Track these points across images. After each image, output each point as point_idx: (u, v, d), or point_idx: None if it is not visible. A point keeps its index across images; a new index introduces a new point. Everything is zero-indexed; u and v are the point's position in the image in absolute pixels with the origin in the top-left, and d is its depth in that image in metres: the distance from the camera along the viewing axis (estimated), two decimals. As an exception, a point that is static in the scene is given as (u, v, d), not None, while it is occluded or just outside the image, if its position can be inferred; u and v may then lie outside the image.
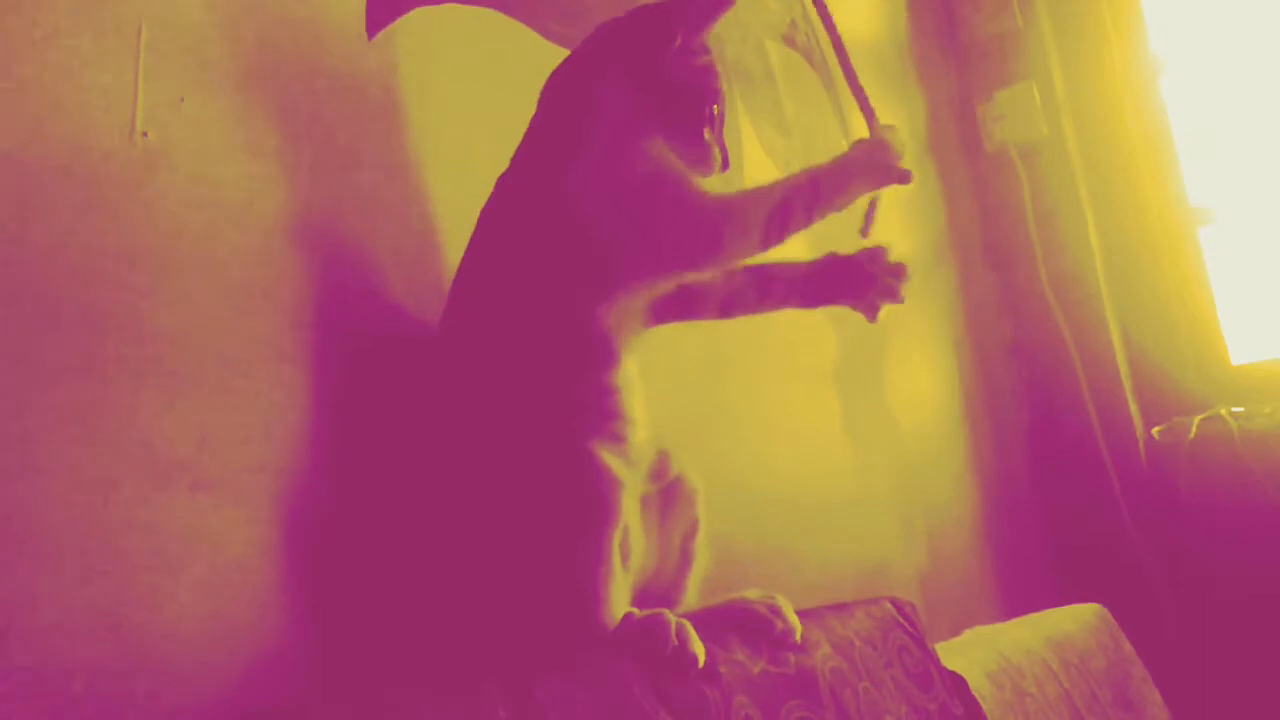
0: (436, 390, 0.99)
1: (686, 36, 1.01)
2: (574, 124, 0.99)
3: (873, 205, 1.15)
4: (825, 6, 1.22)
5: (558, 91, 1.03)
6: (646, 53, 1.01)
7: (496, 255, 0.98)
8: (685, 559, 1.06)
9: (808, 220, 1.00)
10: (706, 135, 1.02)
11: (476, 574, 0.94)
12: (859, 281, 1.08)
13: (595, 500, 0.91)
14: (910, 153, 1.03)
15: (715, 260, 0.99)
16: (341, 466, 0.94)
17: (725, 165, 1.06)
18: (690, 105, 1.02)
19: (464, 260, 1.00)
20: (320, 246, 0.97)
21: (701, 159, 1.03)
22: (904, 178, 1.03)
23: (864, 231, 1.18)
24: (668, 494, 1.05)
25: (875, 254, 1.08)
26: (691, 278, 1.04)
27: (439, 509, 0.97)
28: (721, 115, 1.05)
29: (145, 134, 0.85)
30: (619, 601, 0.92)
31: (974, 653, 1.40)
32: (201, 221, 0.88)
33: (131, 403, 0.80)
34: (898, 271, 1.08)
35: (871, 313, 1.10)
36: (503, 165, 1.01)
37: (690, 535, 1.06)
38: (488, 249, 0.98)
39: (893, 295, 1.08)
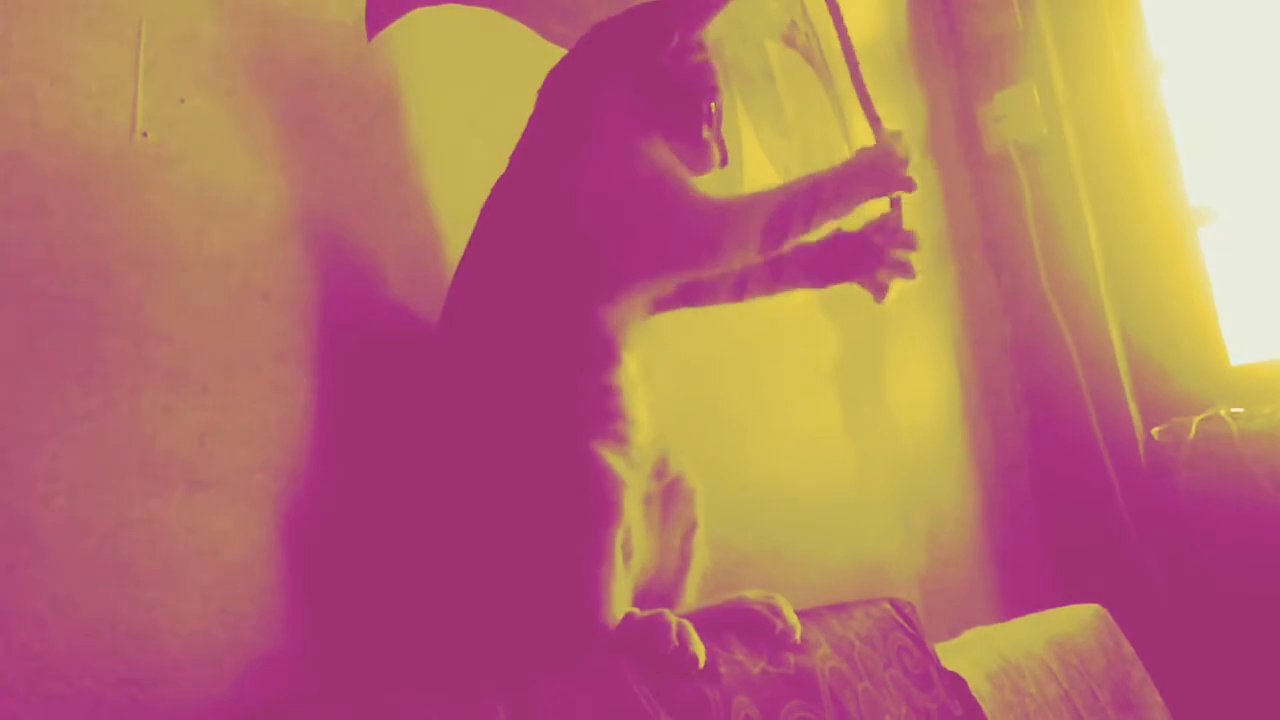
0: (438, 390, 0.99)
1: (683, 34, 1.01)
2: (573, 125, 0.99)
3: (896, 205, 1.10)
4: (838, 10, 1.20)
5: (556, 92, 1.03)
6: (643, 52, 1.01)
7: (497, 256, 0.98)
8: (684, 559, 1.06)
9: (807, 227, 1.00)
10: (705, 133, 1.03)
11: (478, 574, 0.94)
12: (867, 258, 1.07)
13: (598, 500, 0.91)
14: (916, 160, 1.02)
15: (712, 264, 0.99)
16: (343, 467, 0.94)
17: (724, 162, 1.06)
18: (688, 103, 1.02)
19: (463, 260, 1.00)
20: (320, 246, 0.97)
21: (700, 157, 1.03)
22: (908, 185, 1.02)
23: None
24: (668, 494, 1.05)
25: (884, 224, 1.06)
26: (690, 278, 1.04)
27: (441, 509, 0.96)
28: (719, 112, 1.05)
29: (145, 134, 0.85)
30: (620, 602, 0.92)
31: (973, 653, 1.40)
32: (201, 221, 0.88)
33: (132, 404, 0.80)
34: (908, 241, 1.06)
35: (880, 292, 1.07)
36: (503, 164, 1.01)
37: (689, 535, 1.06)
38: (487, 249, 0.98)
39: (903, 270, 1.06)
